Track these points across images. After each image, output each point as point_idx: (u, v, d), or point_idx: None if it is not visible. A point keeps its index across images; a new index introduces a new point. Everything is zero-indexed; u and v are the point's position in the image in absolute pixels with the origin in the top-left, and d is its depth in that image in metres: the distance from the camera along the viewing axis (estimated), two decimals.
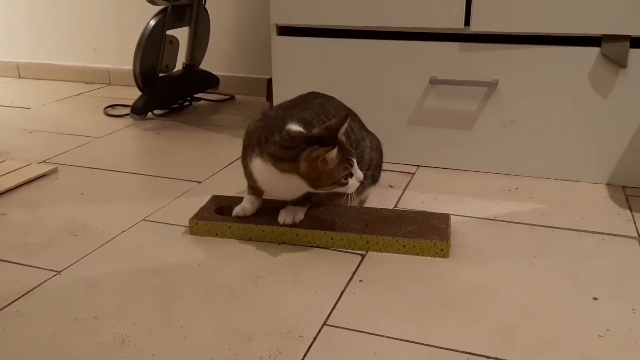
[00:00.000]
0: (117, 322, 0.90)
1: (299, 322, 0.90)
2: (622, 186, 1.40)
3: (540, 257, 1.10)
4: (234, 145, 1.68)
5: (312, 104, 1.20)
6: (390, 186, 1.42)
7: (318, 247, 1.11)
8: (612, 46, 1.33)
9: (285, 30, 1.58)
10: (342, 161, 1.02)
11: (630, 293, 0.98)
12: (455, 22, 1.42)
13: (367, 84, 1.53)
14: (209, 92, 2.23)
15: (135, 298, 0.97)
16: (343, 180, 1.04)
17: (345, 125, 1.05)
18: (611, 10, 1.30)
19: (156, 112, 2.02)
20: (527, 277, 1.03)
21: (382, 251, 1.10)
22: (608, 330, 0.88)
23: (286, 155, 1.02)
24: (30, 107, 2.14)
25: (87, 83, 2.51)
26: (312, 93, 1.28)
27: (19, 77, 2.63)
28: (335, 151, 0.99)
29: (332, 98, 1.28)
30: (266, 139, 1.05)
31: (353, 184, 1.05)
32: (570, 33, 1.35)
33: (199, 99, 2.17)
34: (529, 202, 1.33)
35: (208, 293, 0.98)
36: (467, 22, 1.41)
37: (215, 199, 1.24)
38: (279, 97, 1.62)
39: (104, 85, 2.49)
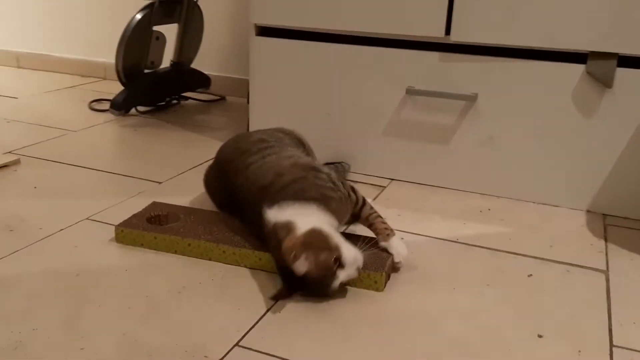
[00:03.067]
0: (18, 326, 0.85)
1: (211, 341, 0.84)
2: (603, 214, 1.31)
3: (493, 285, 1.01)
4: (210, 147, 1.63)
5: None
6: None
7: (246, 266, 1.04)
8: (598, 64, 1.24)
9: (264, 31, 1.52)
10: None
11: (581, 332, 0.89)
12: (435, 31, 1.34)
13: (343, 90, 1.46)
14: (199, 92, 2.19)
15: (46, 301, 0.91)
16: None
17: None
18: (598, 26, 1.21)
19: (140, 108, 1.98)
20: (472, 307, 0.95)
21: None
22: None
23: None
24: (18, 97, 2.12)
25: (83, 76, 2.50)
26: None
27: (18, 67, 2.63)
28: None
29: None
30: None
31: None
32: (554, 48, 1.26)
33: (187, 98, 2.13)
34: (498, 225, 1.24)
35: (126, 302, 0.92)
36: (447, 31, 1.33)
37: (153, 206, 1.18)
38: (255, 99, 1.57)
39: (99, 79, 2.47)
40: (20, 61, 2.62)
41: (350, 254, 0.91)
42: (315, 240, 0.91)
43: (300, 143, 1.25)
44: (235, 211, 1.11)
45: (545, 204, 1.35)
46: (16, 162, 1.47)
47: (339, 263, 0.90)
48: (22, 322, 0.86)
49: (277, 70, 1.51)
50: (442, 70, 1.37)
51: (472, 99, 1.35)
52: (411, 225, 1.22)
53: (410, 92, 1.39)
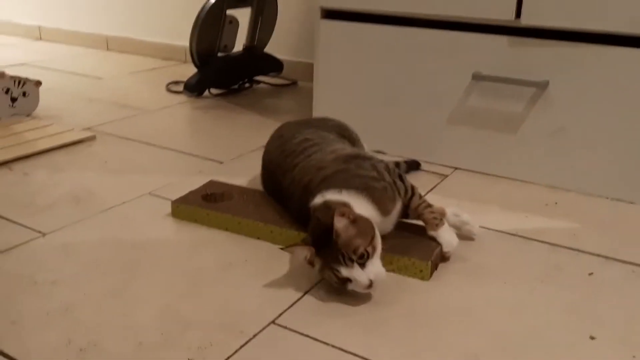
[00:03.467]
0: (71, 290, 0.90)
1: (247, 317, 0.85)
2: None
3: (547, 282, 0.96)
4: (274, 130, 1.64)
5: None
6: None
7: None
8: None
9: (330, 14, 1.51)
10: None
11: (638, 337, 0.83)
12: (504, 13, 1.28)
13: (408, 75, 1.43)
14: (271, 76, 2.21)
15: (99, 269, 0.96)
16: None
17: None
18: None
19: (213, 91, 2.03)
20: (521, 303, 0.90)
21: None
22: None
23: None
24: (103, 78, 2.24)
25: (165, 59, 2.59)
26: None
27: (107, 49, 2.77)
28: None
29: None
30: None
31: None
32: (634, 33, 1.17)
33: (259, 82, 2.16)
34: (563, 220, 1.17)
35: (173, 275, 0.95)
36: (518, 14, 1.27)
37: (210, 184, 1.20)
38: (319, 83, 1.56)
39: (180, 62, 2.55)
40: (109, 44, 2.76)
41: (379, 266, 0.87)
42: (365, 226, 0.89)
43: (344, 133, 1.23)
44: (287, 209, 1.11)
45: (619, 200, 1.26)
46: (91, 138, 1.55)
47: (366, 257, 0.86)
48: (75, 287, 0.91)
49: (342, 53, 1.50)
50: (511, 56, 1.30)
51: (542, 86, 1.28)
52: (470, 216, 1.18)
53: (477, 77, 1.34)
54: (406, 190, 1.03)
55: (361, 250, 0.85)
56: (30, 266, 0.96)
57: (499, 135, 1.36)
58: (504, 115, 1.34)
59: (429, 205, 1.03)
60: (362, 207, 0.94)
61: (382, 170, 1.01)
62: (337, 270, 0.86)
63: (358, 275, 0.85)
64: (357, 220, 0.89)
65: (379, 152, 1.44)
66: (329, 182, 0.97)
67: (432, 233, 1.00)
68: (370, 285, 0.85)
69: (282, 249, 0.90)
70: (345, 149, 1.10)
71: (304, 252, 0.89)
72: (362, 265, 0.85)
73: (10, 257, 0.99)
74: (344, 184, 0.96)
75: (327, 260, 0.87)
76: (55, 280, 0.92)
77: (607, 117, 1.24)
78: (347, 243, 0.85)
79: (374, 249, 0.87)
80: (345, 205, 0.92)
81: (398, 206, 1.01)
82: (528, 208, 1.22)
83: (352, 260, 0.85)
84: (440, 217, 1.01)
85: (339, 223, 0.86)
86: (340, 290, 0.89)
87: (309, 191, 0.99)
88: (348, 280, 0.86)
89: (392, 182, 1.00)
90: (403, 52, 1.42)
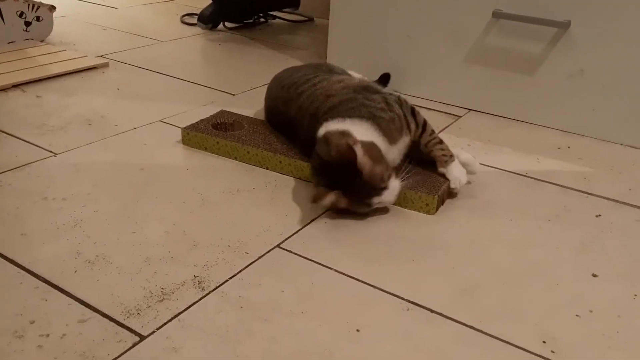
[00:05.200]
0: (81, 207, 0.91)
1: (253, 240, 0.86)
2: None
3: (555, 221, 0.96)
4: (288, 65, 1.62)
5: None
6: None
7: (300, 178, 1.04)
8: None
9: None
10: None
11: None
12: None
13: (426, 11, 1.39)
14: (287, 12, 2.17)
15: (110, 189, 0.97)
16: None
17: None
18: None
19: (228, 25, 2.00)
20: (525, 239, 0.90)
21: None
22: (591, 311, 0.76)
23: None
24: (118, 8, 2.21)
25: None
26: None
27: None
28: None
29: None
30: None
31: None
32: None
33: (275, 17, 2.12)
34: (575, 164, 1.16)
35: (181, 197, 0.96)
36: None
37: (221, 113, 1.20)
38: (335, 19, 1.53)
39: None
40: None
41: (396, 182, 0.91)
42: (374, 151, 0.90)
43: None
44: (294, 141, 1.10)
45: (633, 147, 1.24)
46: (105, 65, 1.54)
47: (389, 179, 0.89)
48: (85, 204, 0.92)
49: None
50: None
51: (564, 26, 1.24)
52: (479, 155, 1.17)
53: (498, 15, 1.30)
54: (417, 125, 1.02)
55: (385, 176, 0.89)
56: (42, 183, 0.97)
57: (515, 77, 1.34)
58: (523, 56, 1.31)
59: (440, 142, 1.02)
60: (367, 134, 0.93)
61: (392, 102, 1.00)
62: (369, 202, 0.90)
63: (387, 198, 0.90)
64: (367, 147, 0.89)
65: (385, 74, 1.42)
66: (334, 111, 0.97)
67: (441, 169, 1.00)
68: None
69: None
70: (353, 78, 1.09)
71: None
72: (387, 188, 0.89)
73: (22, 174, 1.00)
74: (349, 112, 0.96)
75: (356, 197, 0.90)
76: (66, 197, 0.93)
77: (628, 61, 1.20)
78: (372, 175, 0.88)
79: (389, 167, 0.90)
80: (344, 133, 0.92)
81: (406, 139, 1.00)
82: (540, 151, 1.21)
83: (381, 188, 0.89)
84: (450, 154, 1.00)
85: (362, 159, 0.87)
86: (359, 214, 0.92)
87: (316, 119, 0.98)
88: (377, 203, 0.90)
89: (402, 114, 0.99)
90: None
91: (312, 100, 1.03)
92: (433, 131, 1.03)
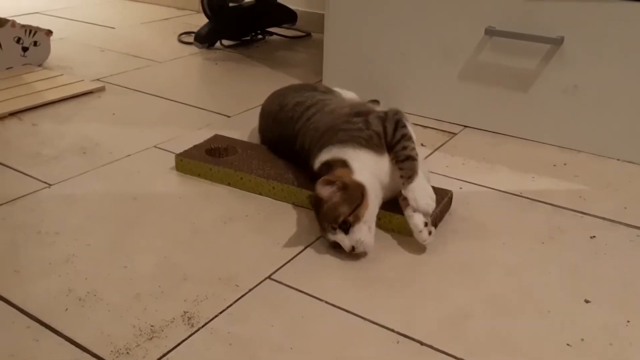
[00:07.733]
0: (73, 240, 0.92)
1: (244, 271, 0.86)
2: None
3: (549, 244, 0.95)
4: (285, 84, 1.62)
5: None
6: (422, 145, 1.30)
7: (294, 204, 1.04)
8: None
9: None
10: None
11: (635, 302, 0.82)
12: None
13: (419, 28, 1.39)
14: (284, 28, 2.18)
15: (102, 221, 0.98)
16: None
17: None
18: None
19: (225, 42, 2.01)
20: (518, 264, 0.90)
21: None
22: (582, 340, 0.75)
23: None
24: (115, 27, 2.22)
25: (179, 9, 2.56)
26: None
27: None
28: None
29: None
30: None
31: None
32: None
33: (272, 34, 2.13)
34: (570, 181, 1.16)
35: (173, 228, 0.96)
36: None
37: (214, 138, 1.20)
38: (329, 37, 1.53)
39: (194, 12, 2.52)
40: None
41: (361, 233, 0.87)
42: (353, 193, 0.89)
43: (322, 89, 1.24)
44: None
45: (630, 162, 1.24)
46: (101, 89, 1.55)
47: (347, 226, 0.87)
48: (78, 237, 0.92)
49: (352, 6, 1.46)
50: (525, 10, 1.26)
51: (557, 42, 1.24)
52: (473, 175, 1.17)
53: (490, 32, 1.30)
54: (392, 138, 0.97)
55: (342, 218, 0.87)
56: (35, 216, 0.98)
57: (510, 93, 1.33)
58: (516, 73, 1.31)
59: (407, 159, 0.94)
60: (353, 154, 0.95)
61: (372, 120, 1.00)
62: (325, 235, 0.91)
63: (341, 240, 0.88)
64: (347, 187, 0.89)
65: (373, 101, 1.42)
66: (321, 142, 1.00)
67: (402, 190, 0.94)
68: (353, 249, 0.88)
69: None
70: (344, 107, 1.08)
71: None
72: (346, 231, 0.88)
73: (16, 207, 1.00)
74: (334, 139, 0.98)
75: (322, 225, 0.91)
76: (59, 230, 0.94)
77: (622, 76, 1.20)
78: (328, 211, 0.89)
79: (357, 217, 0.88)
80: (345, 163, 0.93)
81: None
82: (536, 168, 1.20)
83: (334, 228, 0.88)
84: (408, 175, 0.93)
85: (323, 191, 0.89)
86: (336, 248, 0.90)
87: (309, 159, 1.02)
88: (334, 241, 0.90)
89: (380, 131, 0.98)
90: (415, 4, 1.38)
91: (305, 138, 1.06)
92: (405, 147, 0.96)
